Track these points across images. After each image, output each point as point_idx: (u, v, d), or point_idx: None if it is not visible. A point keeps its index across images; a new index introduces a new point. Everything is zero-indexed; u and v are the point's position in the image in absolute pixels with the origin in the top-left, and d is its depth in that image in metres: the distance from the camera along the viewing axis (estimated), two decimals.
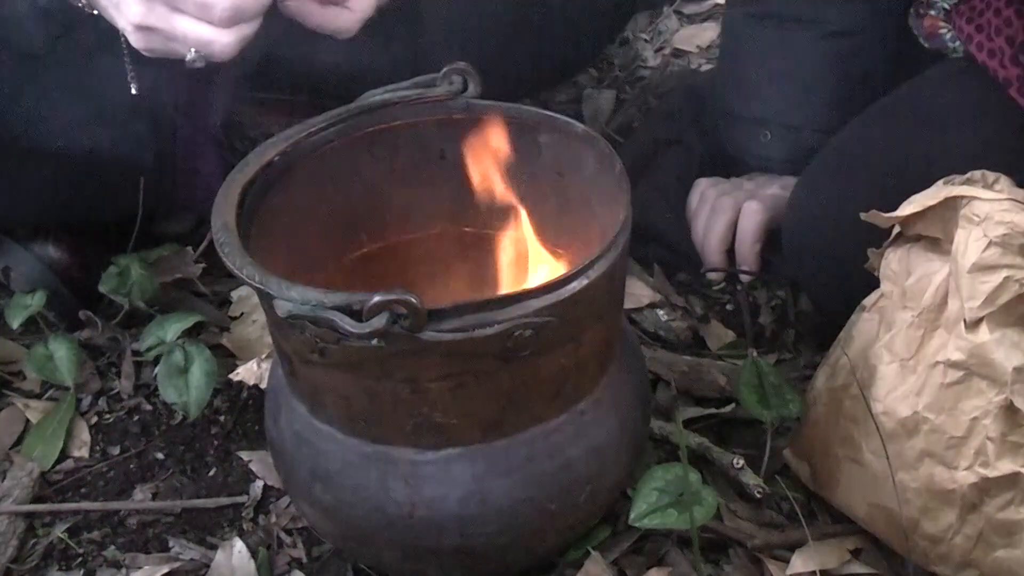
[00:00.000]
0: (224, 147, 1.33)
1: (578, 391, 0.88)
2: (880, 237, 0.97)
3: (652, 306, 1.29)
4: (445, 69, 0.97)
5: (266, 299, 0.80)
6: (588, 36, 1.51)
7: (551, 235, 1.01)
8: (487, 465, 0.86)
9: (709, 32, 1.90)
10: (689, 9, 1.98)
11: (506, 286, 0.99)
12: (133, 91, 1.08)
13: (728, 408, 1.15)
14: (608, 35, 1.63)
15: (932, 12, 1.24)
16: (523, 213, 0.97)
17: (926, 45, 1.26)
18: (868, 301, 0.99)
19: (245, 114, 1.36)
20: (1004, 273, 0.84)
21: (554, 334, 0.80)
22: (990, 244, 0.84)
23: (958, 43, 1.20)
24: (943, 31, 1.23)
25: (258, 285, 0.77)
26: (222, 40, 0.95)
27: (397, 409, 0.83)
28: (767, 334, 1.28)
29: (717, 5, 1.98)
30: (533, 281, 0.96)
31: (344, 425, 0.87)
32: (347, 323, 0.74)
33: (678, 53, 1.83)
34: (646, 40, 1.86)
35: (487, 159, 0.99)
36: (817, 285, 1.20)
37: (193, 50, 0.96)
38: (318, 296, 0.75)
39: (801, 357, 1.24)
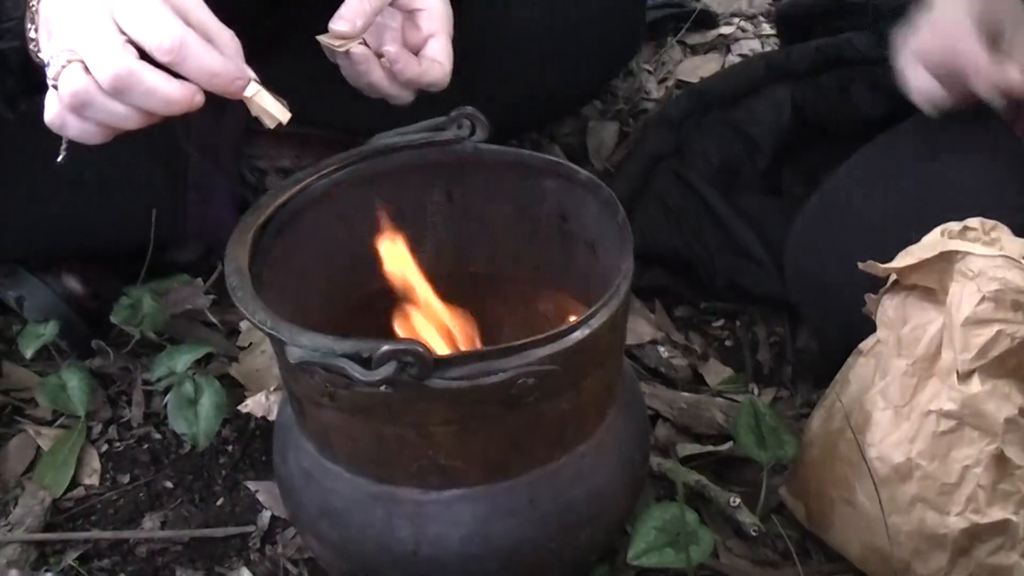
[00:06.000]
0: (235, 178, 1.35)
1: (579, 434, 0.90)
2: (879, 280, 0.98)
3: (653, 342, 1.31)
4: (453, 113, 0.99)
5: (278, 344, 0.82)
6: (593, 70, 1.52)
7: (555, 278, 1.03)
8: (490, 506, 0.88)
9: (712, 63, 1.90)
10: (692, 40, 1.98)
11: (510, 329, 1.01)
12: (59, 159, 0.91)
13: (726, 446, 1.16)
14: (613, 69, 1.64)
15: None
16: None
17: None
18: (864, 346, 1.01)
19: (256, 146, 1.38)
20: (996, 327, 0.87)
21: (557, 381, 0.82)
22: (983, 299, 0.86)
23: None
24: None
25: (270, 331, 0.79)
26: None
27: (403, 451, 0.85)
28: (765, 371, 1.30)
29: (721, 35, 1.99)
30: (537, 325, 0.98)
31: (351, 465, 0.89)
32: (357, 370, 0.75)
33: (681, 85, 1.83)
34: (649, 71, 1.86)
35: (493, 202, 1.01)
36: (819, 321, 1.22)
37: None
38: (329, 344, 0.76)
39: (798, 394, 1.26)
